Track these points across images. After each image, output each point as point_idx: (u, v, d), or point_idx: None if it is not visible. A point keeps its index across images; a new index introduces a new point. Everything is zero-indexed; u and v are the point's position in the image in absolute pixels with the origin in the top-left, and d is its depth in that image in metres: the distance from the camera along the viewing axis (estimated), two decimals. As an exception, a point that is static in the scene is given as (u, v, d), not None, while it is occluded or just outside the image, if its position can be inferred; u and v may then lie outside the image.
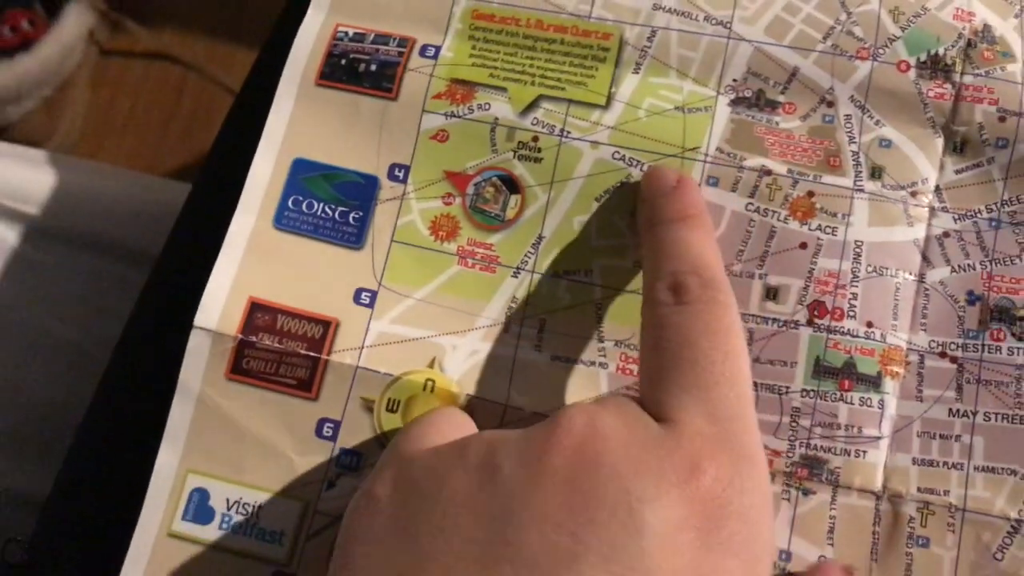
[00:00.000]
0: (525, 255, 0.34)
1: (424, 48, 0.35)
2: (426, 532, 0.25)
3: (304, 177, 0.34)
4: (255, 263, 0.34)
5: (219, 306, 0.34)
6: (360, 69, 0.35)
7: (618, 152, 0.34)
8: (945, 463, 0.31)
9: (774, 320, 0.32)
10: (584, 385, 0.33)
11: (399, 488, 0.27)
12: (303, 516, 0.32)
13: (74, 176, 0.51)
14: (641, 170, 0.34)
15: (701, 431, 0.26)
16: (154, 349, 0.37)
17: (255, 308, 0.34)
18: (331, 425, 0.33)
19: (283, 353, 0.33)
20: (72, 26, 0.96)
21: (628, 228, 0.34)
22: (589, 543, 0.24)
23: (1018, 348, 0.32)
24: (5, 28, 0.93)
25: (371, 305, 0.34)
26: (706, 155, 0.34)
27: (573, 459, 0.25)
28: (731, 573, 0.24)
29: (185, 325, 0.34)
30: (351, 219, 0.34)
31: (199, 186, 0.40)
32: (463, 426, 0.30)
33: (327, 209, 0.34)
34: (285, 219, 0.34)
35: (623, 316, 0.33)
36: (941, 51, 0.34)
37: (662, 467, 0.25)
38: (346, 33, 0.35)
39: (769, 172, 0.33)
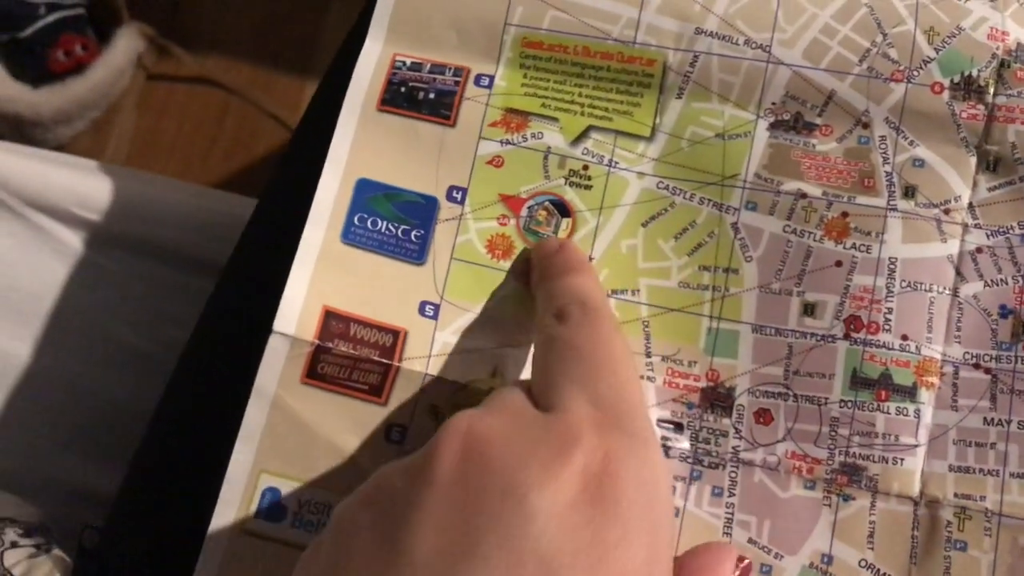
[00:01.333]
0: (575, 274, 0.36)
1: (479, 77, 0.37)
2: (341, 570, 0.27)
3: (368, 197, 0.36)
4: (326, 273, 0.36)
5: (296, 313, 0.36)
6: (419, 97, 0.37)
7: (662, 182, 0.36)
8: (981, 470, 0.33)
9: (812, 335, 0.34)
10: (633, 396, 0.35)
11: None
12: None
13: (139, 186, 0.53)
14: (685, 198, 0.36)
15: (585, 415, 0.27)
16: (223, 352, 0.39)
17: (329, 316, 0.36)
18: (399, 430, 0.35)
19: (357, 359, 0.35)
20: (122, 51, 1.00)
21: (672, 251, 0.35)
22: (483, 535, 0.25)
23: (1050, 359, 0.33)
24: (59, 52, 0.97)
25: (435, 317, 0.36)
26: (744, 181, 0.35)
27: (459, 462, 0.26)
28: (631, 544, 0.25)
29: (254, 330, 0.36)
30: (413, 236, 0.36)
31: (266, 200, 0.42)
32: None
33: (390, 227, 0.36)
34: (352, 234, 0.36)
35: (668, 333, 0.35)
36: (974, 72, 0.35)
37: (547, 451, 0.26)
38: (404, 62, 0.37)
39: (805, 195, 0.35)
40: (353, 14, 0.40)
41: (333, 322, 0.36)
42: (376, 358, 0.35)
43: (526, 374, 0.35)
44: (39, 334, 0.51)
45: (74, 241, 0.52)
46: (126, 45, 1.00)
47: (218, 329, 0.41)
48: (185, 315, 0.41)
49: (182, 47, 1.06)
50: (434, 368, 0.35)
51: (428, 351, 0.35)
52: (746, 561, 0.32)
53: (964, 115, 0.35)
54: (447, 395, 0.35)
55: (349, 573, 0.26)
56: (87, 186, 0.52)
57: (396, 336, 0.36)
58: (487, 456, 0.26)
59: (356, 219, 0.36)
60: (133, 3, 1.04)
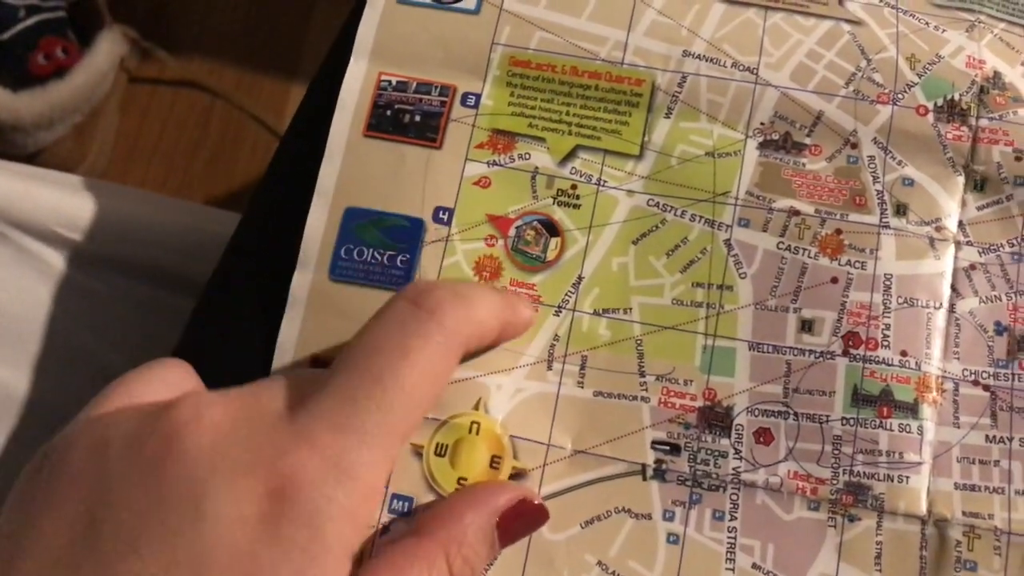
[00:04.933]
0: (566, 294, 0.35)
1: (465, 97, 0.37)
2: (39, 504, 0.26)
3: (354, 225, 0.35)
4: (315, 319, 0.35)
5: (286, 369, 0.35)
6: (405, 120, 0.36)
7: (652, 199, 0.35)
8: (987, 487, 0.32)
9: (810, 351, 0.33)
10: (627, 419, 0.33)
11: (47, 452, 0.28)
12: (358, 564, 0.32)
13: (125, 205, 0.52)
14: (676, 215, 0.35)
15: (312, 435, 0.26)
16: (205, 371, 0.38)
17: (316, 364, 0.34)
18: None
19: None
20: (104, 54, 0.97)
21: (664, 269, 0.35)
22: (152, 526, 0.25)
23: (1047, 377, 0.33)
24: (40, 56, 0.95)
25: None
26: (736, 199, 0.35)
27: (165, 447, 0.26)
28: (282, 568, 0.25)
29: (236, 349, 0.35)
30: (399, 262, 0.35)
31: (243, 225, 0.41)
32: (171, 384, 0.30)
33: (376, 255, 0.35)
34: (339, 269, 0.35)
35: (663, 351, 0.34)
36: (956, 96, 0.36)
37: (247, 460, 0.26)
38: (389, 82, 0.37)
39: (798, 212, 0.35)
40: (338, 16, 0.40)
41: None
42: None
43: (510, 404, 0.34)
44: (21, 358, 0.48)
45: (58, 261, 0.50)
46: (108, 48, 0.98)
47: (200, 348, 0.39)
48: (172, 337, 0.39)
49: (165, 50, 1.05)
50: None
51: None
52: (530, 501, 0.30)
53: (949, 136, 0.35)
54: (429, 433, 0.33)
55: (48, 507, 0.26)
56: (71, 205, 0.50)
57: None
58: (188, 447, 0.26)
59: (343, 252, 0.35)
60: (115, 5, 1.02)
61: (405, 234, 0.35)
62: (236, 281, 0.39)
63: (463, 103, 0.37)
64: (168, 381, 0.30)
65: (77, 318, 0.50)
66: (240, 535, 0.25)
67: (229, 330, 0.38)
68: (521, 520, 0.30)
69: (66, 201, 0.49)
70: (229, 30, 1.10)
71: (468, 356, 0.33)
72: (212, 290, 0.39)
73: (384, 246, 0.35)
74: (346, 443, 0.26)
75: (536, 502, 0.30)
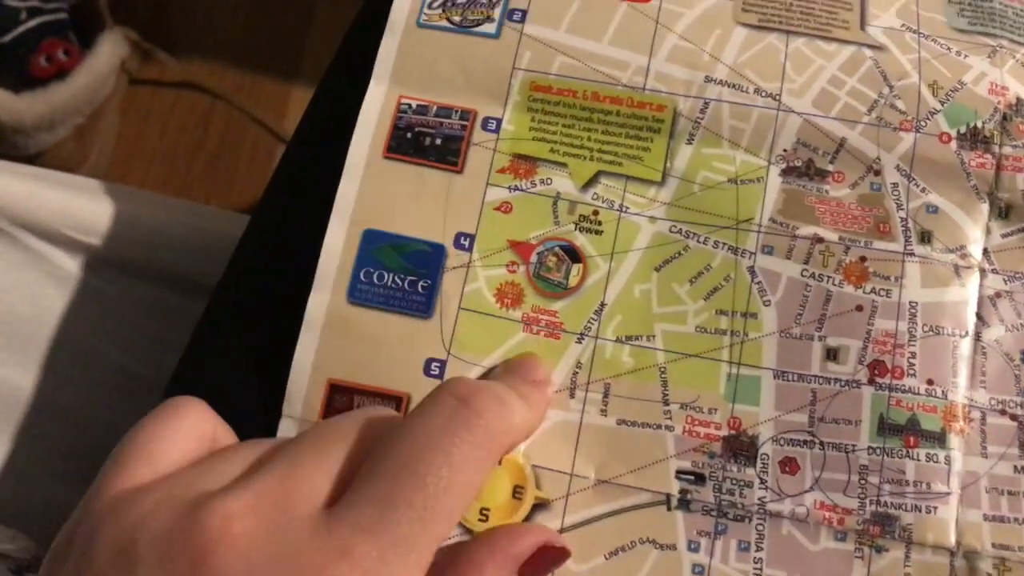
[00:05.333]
0: (588, 321, 0.34)
1: (486, 121, 0.36)
2: None
3: (375, 248, 0.35)
4: (332, 342, 0.35)
5: (302, 393, 0.34)
6: (426, 143, 0.36)
7: (675, 226, 0.35)
8: (1016, 519, 0.32)
9: (836, 380, 0.33)
10: (651, 448, 0.33)
11: (71, 538, 0.26)
12: None
13: (132, 206, 0.51)
14: (699, 242, 0.35)
15: (352, 548, 0.24)
16: (211, 379, 0.38)
17: (334, 390, 0.34)
18: None
19: None
20: (105, 56, 0.97)
21: (688, 295, 0.34)
22: None
23: (1073, 406, 0.33)
24: (41, 58, 0.94)
25: (441, 375, 0.34)
26: (759, 226, 0.35)
27: (197, 564, 0.24)
28: None
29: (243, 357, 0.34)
30: (420, 288, 0.35)
31: (252, 227, 0.40)
32: (189, 436, 0.28)
33: (397, 279, 0.35)
34: (358, 292, 0.35)
35: (687, 379, 0.34)
36: (979, 124, 0.35)
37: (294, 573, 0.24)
38: (409, 106, 0.37)
39: (821, 240, 0.35)
40: (339, 18, 0.40)
41: (337, 396, 0.34)
42: None
43: (534, 435, 0.33)
44: (31, 360, 0.48)
45: (66, 263, 0.50)
46: (109, 50, 0.98)
47: (208, 350, 0.39)
48: (181, 339, 0.39)
49: (166, 51, 1.05)
50: None
51: None
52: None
53: (973, 164, 0.35)
54: None
55: None
56: (78, 206, 0.49)
57: (399, 403, 0.34)
58: (227, 569, 0.24)
59: (362, 274, 0.35)
60: (116, 7, 1.02)
61: (426, 259, 0.35)
62: (243, 287, 0.39)
63: (484, 127, 0.36)
64: (185, 433, 0.28)
65: (86, 320, 0.50)
66: None
67: (236, 339, 0.37)
68: (542, 564, 0.29)
69: (73, 202, 0.49)
70: (230, 32, 1.09)
71: None
72: (220, 297, 0.39)
73: (404, 271, 0.35)
74: (384, 555, 0.24)
75: (558, 545, 0.29)
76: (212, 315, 0.40)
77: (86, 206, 0.49)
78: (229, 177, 1.04)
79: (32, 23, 0.94)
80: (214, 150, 1.05)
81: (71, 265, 0.50)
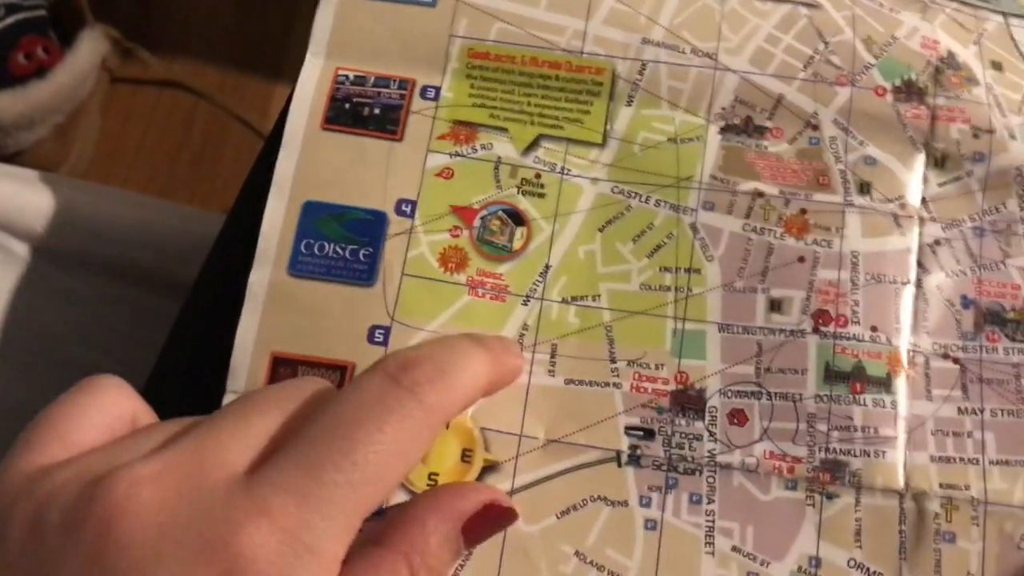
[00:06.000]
0: (534, 283, 0.34)
1: (425, 89, 0.36)
2: None
3: (315, 219, 0.35)
4: (275, 315, 0.34)
5: (245, 367, 0.34)
6: (364, 113, 0.36)
7: (617, 186, 0.35)
8: (961, 459, 0.32)
9: (781, 331, 0.33)
10: (599, 406, 0.33)
11: None
12: None
13: (110, 206, 0.51)
14: (640, 201, 0.35)
15: (271, 507, 0.23)
16: (185, 378, 0.37)
17: (277, 363, 0.34)
18: None
19: None
20: (86, 54, 0.96)
21: (631, 254, 0.34)
22: None
23: (1012, 348, 0.33)
24: (20, 55, 0.93)
25: (385, 343, 0.34)
26: (700, 183, 0.35)
27: (103, 534, 0.23)
28: None
29: (218, 351, 0.34)
30: (361, 256, 0.34)
31: (227, 227, 0.40)
32: (107, 414, 0.27)
33: (338, 249, 0.34)
34: (299, 264, 0.34)
35: (633, 336, 0.34)
36: (913, 76, 0.36)
37: (196, 544, 0.23)
38: (347, 76, 0.36)
39: (762, 194, 0.35)
40: None
41: (281, 368, 0.34)
42: None
43: (483, 401, 0.33)
44: (5, 359, 0.47)
45: (42, 263, 0.49)
46: (90, 48, 0.96)
47: (186, 351, 0.39)
48: (158, 339, 0.39)
49: (148, 50, 1.03)
50: None
51: None
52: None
53: (909, 115, 0.35)
54: None
55: None
56: (56, 206, 0.48)
57: (343, 373, 0.33)
58: (129, 534, 0.23)
59: (303, 246, 0.35)
60: (97, 4, 1.00)
61: (367, 227, 0.35)
62: (220, 286, 0.38)
63: (423, 96, 0.36)
64: (103, 409, 0.27)
65: (62, 320, 0.49)
66: None
67: (213, 335, 0.37)
68: (487, 523, 0.29)
69: (51, 202, 0.48)
70: (213, 30, 1.08)
71: None
72: (196, 295, 0.39)
73: (345, 240, 0.35)
74: (309, 517, 0.24)
75: (504, 504, 0.28)
76: (188, 315, 0.39)
77: (62, 206, 0.48)
78: (212, 176, 1.03)
79: (10, 20, 0.93)
80: (197, 149, 1.04)
81: (46, 265, 0.49)
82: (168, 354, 0.39)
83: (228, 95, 1.05)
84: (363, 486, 0.24)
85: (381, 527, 0.27)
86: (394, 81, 0.36)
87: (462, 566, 0.31)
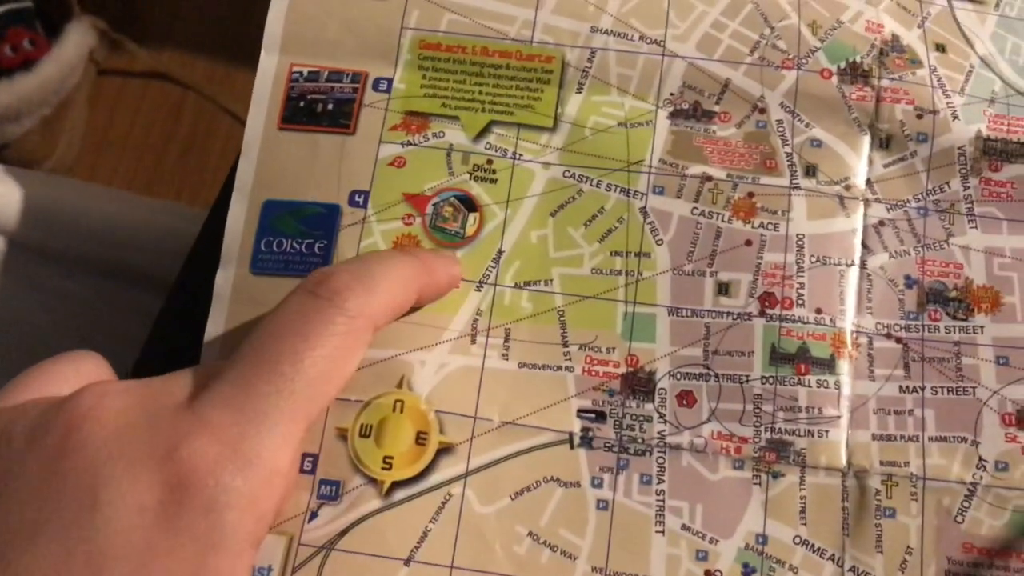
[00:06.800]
0: (487, 269, 0.35)
1: (377, 82, 0.37)
2: None
3: (273, 217, 0.35)
4: (239, 313, 0.35)
5: None
6: (318, 110, 0.36)
7: (568, 171, 0.36)
8: (902, 436, 0.33)
9: (728, 313, 0.34)
10: (552, 389, 0.34)
11: None
12: (288, 549, 0.32)
13: (93, 202, 0.51)
14: (592, 185, 0.35)
15: (210, 421, 0.26)
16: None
17: None
18: (310, 459, 0.33)
19: None
20: (73, 46, 0.95)
21: (583, 239, 0.35)
22: (50, 518, 0.25)
23: (953, 327, 0.34)
24: (6, 47, 0.93)
25: None
26: (650, 167, 0.36)
27: (65, 438, 0.26)
28: (180, 558, 0.25)
29: (192, 354, 0.35)
30: (316, 249, 0.35)
31: (207, 224, 0.41)
32: (82, 375, 0.30)
33: (295, 244, 0.35)
34: (260, 263, 0.35)
35: (585, 320, 0.34)
36: (858, 59, 0.36)
37: (145, 450, 0.25)
38: (301, 73, 0.37)
39: (710, 178, 0.35)
40: None
41: None
42: None
43: (435, 380, 0.33)
44: None
45: (26, 260, 0.49)
46: (77, 39, 0.96)
47: (165, 346, 0.39)
48: (141, 335, 0.39)
49: (136, 41, 1.02)
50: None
51: None
52: None
53: (854, 97, 0.36)
54: (352, 416, 0.33)
55: None
56: (40, 203, 0.49)
57: None
58: (87, 440, 0.26)
59: (263, 244, 0.35)
60: None
61: (322, 221, 0.35)
62: (199, 283, 0.39)
63: (375, 88, 0.37)
64: (80, 372, 0.29)
65: (46, 317, 0.49)
66: (137, 525, 0.24)
67: (191, 332, 0.37)
68: None
69: (35, 200, 0.48)
70: (200, 21, 1.07)
71: (392, 325, 0.33)
72: (178, 291, 0.39)
73: (302, 235, 0.35)
74: (245, 429, 0.26)
75: None
76: (168, 312, 0.40)
77: (46, 203, 0.49)
78: (200, 169, 1.02)
79: (-3, 12, 0.92)
80: (185, 141, 1.04)
81: (30, 262, 0.49)
82: (149, 351, 0.40)
83: (216, 86, 1.05)
84: (294, 396, 0.27)
85: None
86: (347, 75, 0.37)
87: (417, 547, 0.32)
